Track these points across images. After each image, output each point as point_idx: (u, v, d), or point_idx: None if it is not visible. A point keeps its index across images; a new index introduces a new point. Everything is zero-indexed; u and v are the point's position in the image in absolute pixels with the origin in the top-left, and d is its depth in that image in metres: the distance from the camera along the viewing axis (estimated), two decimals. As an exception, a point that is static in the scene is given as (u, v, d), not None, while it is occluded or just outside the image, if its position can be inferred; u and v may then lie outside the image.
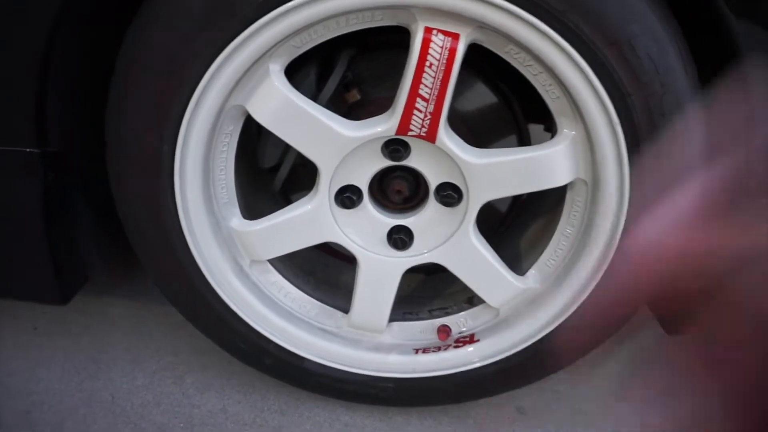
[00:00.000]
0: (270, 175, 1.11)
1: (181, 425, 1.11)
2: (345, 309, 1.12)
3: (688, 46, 0.83)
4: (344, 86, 1.00)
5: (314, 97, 0.98)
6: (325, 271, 1.25)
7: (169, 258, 1.00)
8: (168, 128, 0.88)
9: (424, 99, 0.88)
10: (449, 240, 1.02)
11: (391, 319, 1.11)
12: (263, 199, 1.14)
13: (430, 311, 1.17)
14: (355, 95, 0.99)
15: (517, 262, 1.11)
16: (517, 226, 1.20)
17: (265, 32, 0.82)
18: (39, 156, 0.93)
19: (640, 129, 0.83)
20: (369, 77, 1.02)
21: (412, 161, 0.97)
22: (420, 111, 0.89)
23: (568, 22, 0.77)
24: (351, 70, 1.00)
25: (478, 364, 1.09)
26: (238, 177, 1.03)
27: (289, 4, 0.78)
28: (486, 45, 0.87)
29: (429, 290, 1.25)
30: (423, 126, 0.90)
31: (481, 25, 0.82)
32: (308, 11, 0.80)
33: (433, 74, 0.85)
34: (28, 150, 0.92)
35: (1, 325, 1.29)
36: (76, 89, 0.97)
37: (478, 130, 1.04)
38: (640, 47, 0.78)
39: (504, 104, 1.07)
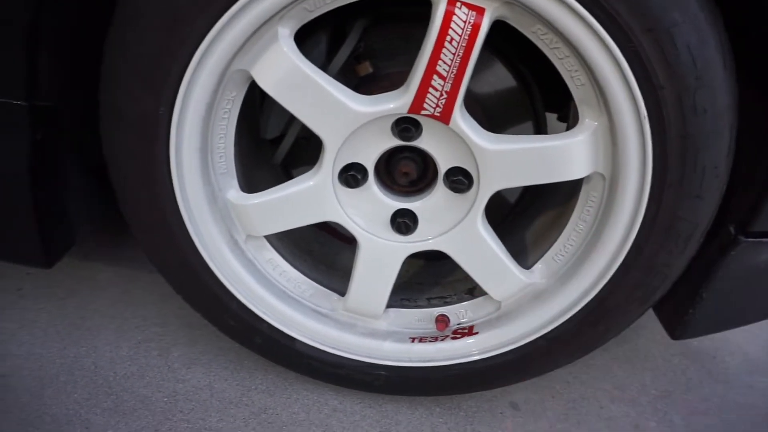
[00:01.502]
0: (272, 147, 1.06)
1: (165, 399, 1.07)
2: (341, 291, 1.08)
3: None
4: (356, 58, 0.94)
5: (324, 67, 0.92)
6: (323, 251, 1.20)
7: (160, 227, 0.95)
8: (166, 89, 0.82)
9: (441, 77, 0.82)
10: (455, 227, 0.97)
11: (388, 305, 1.07)
12: (263, 171, 1.09)
13: (428, 299, 1.14)
14: (367, 68, 0.93)
15: (523, 255, 1.07)
16: (525, 217, 1.15)
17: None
18: (27, 110, 0.87)
19: (669, 125, 0.78)
20: (383, 50, 0.96)
21: (422, 142, 0.91)
22: (436, 89, 0.83)
23: (604, 2, 0.71)
24: (364, 41, 0.94)
25: (475, 357, 1.05)
26: (238, 147, 0.98)
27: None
28: (512, 23, 0.81)
29: (429, 277, 1.20)
30: (438, 105, 0.85)
31: (510, 1, 0.77)
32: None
33: (453, 51, 0.80)
34: (15, 102, 0.86)
35: (-17, 284, 1.25)
36: (72, 39, 0.90)
37: (494, 114, 0.99)
38: (679, 36, 0.72)
39: (523, 89, 1.01)
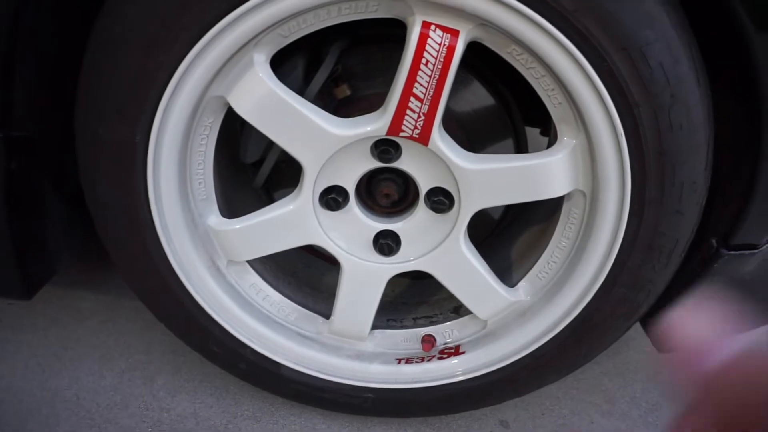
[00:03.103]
0: (252, 170, 1.05)
1: (149, 429, 1.05)
2: (326, 314, 1.07)
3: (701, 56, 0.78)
4: (333, 81, 0.94)
5: (301, 91, 0.92)
6: (308, 272, 1.20)
7: (140, 255, 0.94)
8: (142, 117, 0.82)
9: (418, 99, 0.82)
10: (438, 248, 0.97)
11: (374, 327, 1.06)
12: (245, 195, 1.08)
13: (414, 319, 1.13)
14: (344, 90, 0.93)
15: (507, 273, 1.06)
16: (510, 234, 1.15)
17: (251, 17, 0.76)
18: (1, 141, 0.86)
19: (646, 142, 0.78)
20: (360, 72, 0.96)
21: (402, 163, 0.91)
22: (413, 111, 0.83)
23: (577, 23, 0.72)
24: (341, 63, 0.94)
25: (461, 377, 1.04)
26: (218, 171, 0.97)
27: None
28: (487, 44, 0.81)
29: (415, 296, 1.20)
30: (416, 127, 0.85)
31: (483, 23, 0.77)
32: (292, 1, 0.74)
33: (429, 73, 0.80)
34: (-8, 135, 0.85)
35: (-37, 315, 1.23)
36: (47, 69, 0.90)
37: (474, 133, 0.99)
38: (652, 55, 0.73)
39: (502, 107, 1.01)
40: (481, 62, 0.95)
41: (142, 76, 0.79)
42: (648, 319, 1.05)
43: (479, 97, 0.99)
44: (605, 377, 1.34)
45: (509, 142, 1.04)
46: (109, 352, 1.19)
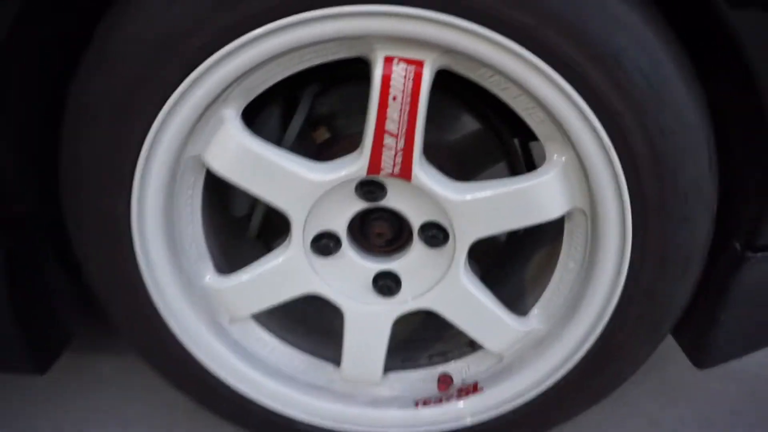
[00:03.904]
0: (245, 222, 1.04)
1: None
2: (337, 360, 1.03)
3: (686, 50, 0.73)
4: (312, 124, 0.92)
5: (279, 139, 0.91)
6: (318, 317, 1.17)
7: (139, 322, 0.94)
8: (120, 186, 0.82)
9: (392, 135, 0.79)
10: (439, 283, 0.93)
11: (389, 369, 1.02)
12: (243, 247, 1.07)
13: (429, 357, 1.08)
14: (323, 133, 0.91)
15: (520, 299, 1.01)
16: (518, 258, 1.10)
17: (211, 76, 0.75)
18: (-5, 224, 0.88)
19: (637, 151, 0.73)
20: (338, 112, 0.94)
21: (390, 201, 0.88)
22: (389, 148, 0.81)
23: (540, 38, 0.68)
24: (317, 106, 0.92)
25: (484, 416, 0.99)
26: (211, 226, 0.97)
27: (228, 47, 0.71)
28: (456, 69, 0.78)
29: (430, 332, 1.15)
30: (395, 164, 0.82)
31: (448, 50, 0.74)
32: (252, 51, 0.73)
33: (398, 108, 0.77)
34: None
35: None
36: (34, 147, 0.91)
37: (462, 160, 0.95)
38: (627, 61, 0.68)
39: (489, 129, 0.98)
40: (460, 85, 0.92)
41: (114, 147, 0.79)
42: (681, 333, 0.98)
43: (463, 121, 0.96)
44: (646, 398, 1.25)
45: (502, 164, 1.00)
46: (131, 417, 1.18)
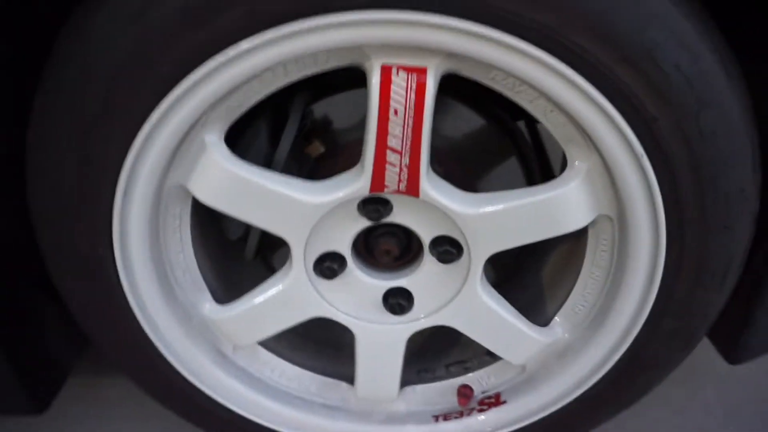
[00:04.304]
0: (242, 243, 0.96)
1: None
2: (350, 377, 0.98)
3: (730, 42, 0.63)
4: (305, 137, 0.84)
5: (269, 158, 0.82)
6: (328, 332, 1.10)
7: (139, 359, 0.88)
8: (99, 226, 0.74)
9: (395, 151, 0.71)
10: (455, 299, 0.86)
11: (405, 382, 0.97)
12: (243, 270, 1.00)
13: (447, 367, 1.02)
14: (318, 147, 0.82)
15: (541, 305, 0.94)
16: (535, 258, 1.02)
17: (186, 101, 0.66)
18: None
19: (673, 157, 0.65)
20: (333, 121, 0.85)
21: (396, 217, 0.80)
22: (393, 165, 0.72)
23: (562, 39, 0.59)
24: (308, 118, 0.83)
25: (509, 430, 0.94)
26: (205, 252, 0.89)
27: (202, 69, 0.62)
28: (464, 73, 0.69)
29: (444, 339, 1.09)
30: (401, 181, 0.74)
31: (452, 54, 0.65)
32: (229, 72, 0.64)
33: (401, 122, 0.68)
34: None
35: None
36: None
37: (474, 167, 0.87)
38: (663, 57, 0.59)
39: (500, 130, 0.89)
40: (467, 84, 0.83)
41: (85, 187, 0.71)
42: (714, 331, 0.92)
43: (471, 124, 0.87)
44: (670, 386, 1.19)
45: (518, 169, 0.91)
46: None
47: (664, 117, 0.62)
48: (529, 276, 0.99)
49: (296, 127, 0.80)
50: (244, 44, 0.60)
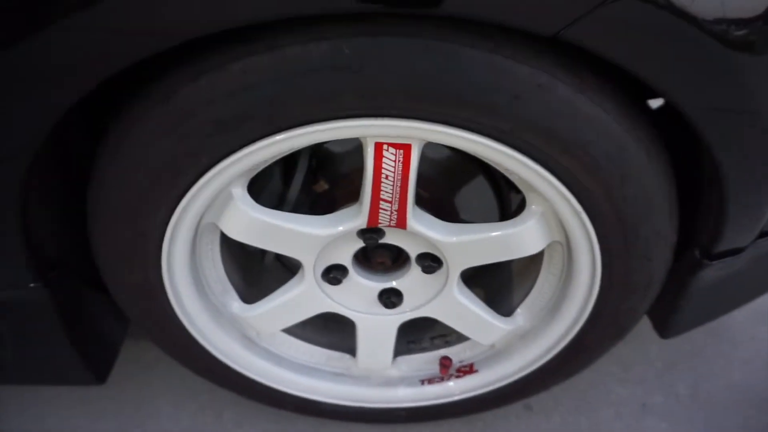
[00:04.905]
0: (262, 252, 1.15)
1: (227, 462, 1.27)
2: (352, 350, 1.20)
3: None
4: (313, 174, 1.00)
5: (283, 195, 0.99)
6: (332, 314, 1.31)
7: (181, 347, 1.09)
8: (150, 263, 0.92)
9: (386, 201, 0.88)
10: (436, 298, 1.07)
11: (397, 353, 1.20)
12: (264, 273, 1.19)
13: (431, 339, 1.25)
14: (322, 185, 0.99)
15: (508, 295, 1.15)
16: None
17: (215, 180, 0.83)
18: (43, 287, 0.99)
19: (603, 213, 0.83)
20: (335, 156, 1.01)
21: (388, 239, 0.99)
22: (385, 210, 0.90)
23: (516, 139, 0.74)
24: (315, 157, 0.99)
25: (480, 392, 1.18)
26: (233, 264, 1.09)
27: (228, 161, 0.78)
28: (442, 143, 0.85)
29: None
30: (391, 219, 0.91)
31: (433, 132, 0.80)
32: (250, 158, 0.80)
33: (391, 183, 0.85)
34: (32, 285, 0.98)
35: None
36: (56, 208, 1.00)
37: (454, 200, 1.04)
38: (595, 150, 0.75)
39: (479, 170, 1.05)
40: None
41: (138, 239, 0.88)
42: (651, 312, 1.13)
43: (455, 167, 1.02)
44: (620, 343, 1.44)
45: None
46: (180, 396, 1.39)
47: (596, 188, 0.79)
48: (499, 272, 1.19)
49: (304, 171, 0.96)
50: (263, 142, 0.76)
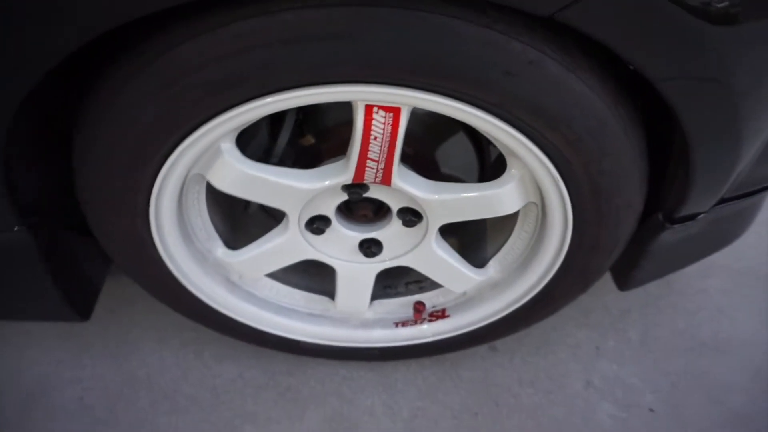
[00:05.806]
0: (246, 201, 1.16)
1: (209, 395, 1.34)
2: (331, 293, 1.26)
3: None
4: (299, 128, 1.01)
5: (270, 148, 1.00)
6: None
7: (165, 289, 1.13)
8: (139, 212, 0.94)
9: (373, 160, 0.91)
10: (414, 249, 1.12)
11: (374, 297, 1.26)
12: (249, 220, 1.21)
13: (407, 284, 1.31)
14: (309, 140, 1.00)
15: (481, 247, 1.21)
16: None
17: (206, 136, 0.83)
18: (26, 230, 1.00)
19: (580, 184, 0.87)
20: (320, 123, 1.01)
21: (372, 193, 1.02)
22: (371, 168, 0.92)
23: (505, 112, 0.77)
24: (301, 111, 0.99)
25: (449, 335, 1.26)
26: (218, 210, 1.11)
27: (219, 118, 0.78)
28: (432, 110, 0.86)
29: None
30: (376, 176, 0.94)
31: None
32: (241, 117, 0.80)
33: (379, 144, 0.87)
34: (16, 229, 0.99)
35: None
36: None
37: (437, 159, 1.07)
38: (577, 125, 0.79)
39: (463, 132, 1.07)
40: None
41: (128, 189, 0.89)
42: (612, 267, 1.21)
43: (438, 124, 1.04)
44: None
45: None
46: (163, 332, 1.44)
47: (576, 161, 0.83)
48: (475, 226, 1.24)
49: (291, 126, 0.97)
50: (255, 102, 0.76)
